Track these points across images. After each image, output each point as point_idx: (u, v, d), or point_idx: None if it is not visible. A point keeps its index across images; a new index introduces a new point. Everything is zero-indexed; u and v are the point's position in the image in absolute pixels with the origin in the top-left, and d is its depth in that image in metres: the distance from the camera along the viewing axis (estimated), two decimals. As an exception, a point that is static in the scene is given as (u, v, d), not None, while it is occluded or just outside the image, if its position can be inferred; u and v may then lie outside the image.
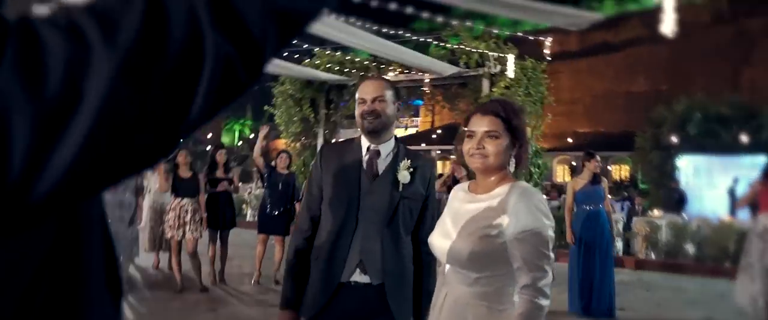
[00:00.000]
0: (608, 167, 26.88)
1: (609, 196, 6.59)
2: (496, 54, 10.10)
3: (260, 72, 0.52)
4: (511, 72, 9.50)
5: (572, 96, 31.16)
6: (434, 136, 27.65)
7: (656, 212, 11.16)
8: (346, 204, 2.08)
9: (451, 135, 14.05)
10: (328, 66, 11.56)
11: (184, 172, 6.56)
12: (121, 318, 0.78)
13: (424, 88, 11.69)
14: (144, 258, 8.37)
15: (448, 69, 10.23)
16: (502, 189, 1.71)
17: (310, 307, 2.09)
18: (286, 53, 9.59)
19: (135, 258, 8.23)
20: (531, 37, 9.52)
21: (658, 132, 15.68)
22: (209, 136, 29.61)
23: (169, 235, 6.52)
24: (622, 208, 13.97)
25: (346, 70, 11.61)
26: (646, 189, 18.75)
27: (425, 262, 2.15)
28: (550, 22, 7.27)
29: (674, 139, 15.05)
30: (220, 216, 6.73)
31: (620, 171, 28.98)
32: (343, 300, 2.05)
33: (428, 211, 2.18)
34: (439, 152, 26.01)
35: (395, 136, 2.22)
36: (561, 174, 29.08)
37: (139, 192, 6.60)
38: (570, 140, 29.90)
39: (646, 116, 17.11)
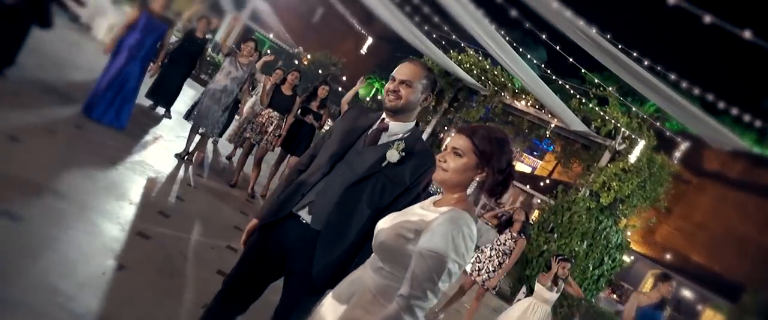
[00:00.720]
0: (698, 307, 24.32)
1: None
2: (629, 132, 9.47)
3: None
4: (633, 157, 8.90)
5: (703, 220, 28.28)
6: (541, 184, 26.33)
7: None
8: (333, 152, 2.25)
9: (553, 187, 13.53)
10: (469, 66, 11.50)
11: (287, 90, 7.01)
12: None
13: (547, 131, 11.27)
14: (225, 145, 9.12)
15: (576, 124, 9.79)
16: (447, 209, 1.71)
17: (263, 219, 2.33)
18: (435, 36, 9.66)
19: (217, 141, 8.97)
20: (668, 133, 8.78)
21: (769, 300, 14.04)
22: (344, 78, 30.76)
23: (247, 135, 7.03)
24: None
25: (482, 79, 11.50)
26: (727, 350, 16.95)
27: (370, 241, 2.20)
28: (694, 128, 6.69)
29: (781, 316, 13.35)
30: (296, 142, 7.08)
31: (713, 318, 26.20)
32: (286, 227, 2.23)
33: (401, 200, 2.20)
34: (536, 199, 24.83)
35: (416, 123, 2.30)
36: (647, 287, 26.90)
37: (244, 87, 7.10)
38: (671, 257, 27.30)
39: (769, 279, 15.42)
